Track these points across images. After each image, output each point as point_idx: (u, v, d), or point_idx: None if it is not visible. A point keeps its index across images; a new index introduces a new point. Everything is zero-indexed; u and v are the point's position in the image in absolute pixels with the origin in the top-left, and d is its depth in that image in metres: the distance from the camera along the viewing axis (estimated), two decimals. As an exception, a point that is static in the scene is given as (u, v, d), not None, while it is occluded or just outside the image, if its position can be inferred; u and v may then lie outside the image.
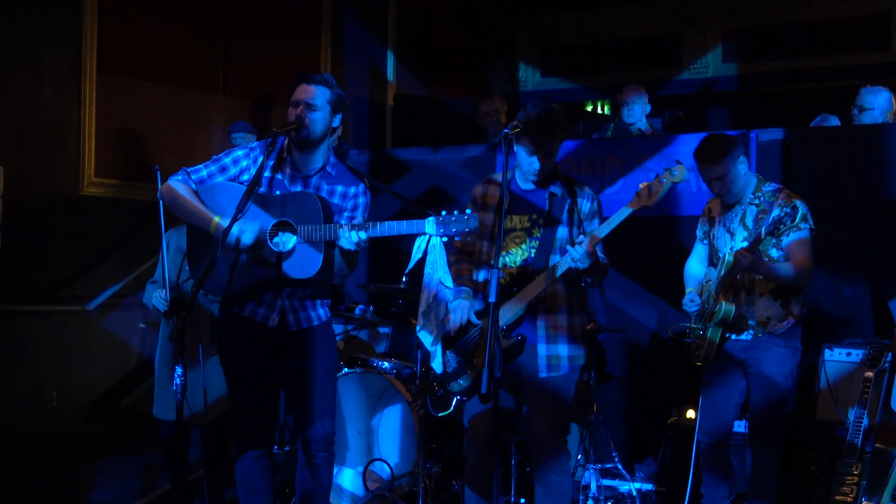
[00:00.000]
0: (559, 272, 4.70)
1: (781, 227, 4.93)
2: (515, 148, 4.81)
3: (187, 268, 5.43)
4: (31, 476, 6.97)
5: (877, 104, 7.23)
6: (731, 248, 5.17)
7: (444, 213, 4.26)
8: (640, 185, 4.65)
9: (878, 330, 6.11)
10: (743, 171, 5.22)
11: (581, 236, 4.63)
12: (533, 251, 4.83)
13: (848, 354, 5.82)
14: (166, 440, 5.70)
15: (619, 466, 6.20)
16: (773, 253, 5.17)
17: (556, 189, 4.88)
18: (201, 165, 4.66)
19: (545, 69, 13.08)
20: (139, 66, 8.93)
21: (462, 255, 5.10)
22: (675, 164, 4.63)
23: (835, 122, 7.63)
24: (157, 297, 5.66)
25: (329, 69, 10.54)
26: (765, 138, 6.58)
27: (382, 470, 6.08)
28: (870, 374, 5.21)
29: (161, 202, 4.84)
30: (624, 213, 4.63)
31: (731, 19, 11.95)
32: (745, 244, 5.13)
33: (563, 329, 4.85)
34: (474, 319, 4.87)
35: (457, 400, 5.05)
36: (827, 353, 5.87)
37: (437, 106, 10.76)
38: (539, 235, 4.83)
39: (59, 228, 8.31)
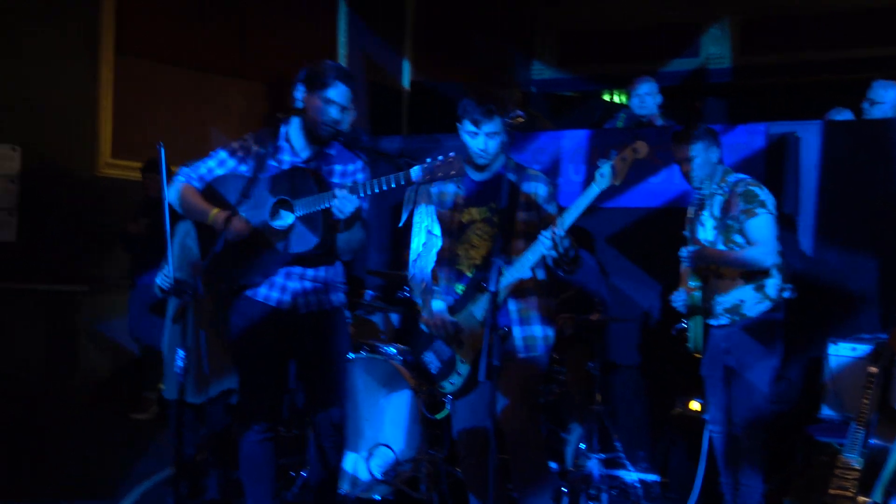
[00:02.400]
0: (531, 262, 4.65)
1: (735, 212, 5.16)
2: (462, 135, 4.79)
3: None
4: (37, 457, 7.03)
5: (888, 98, 7.19)
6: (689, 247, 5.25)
7: (428, 159, 4.27)
8: (600, 164, 4.53)
9: (884, 324, 6.09)
10: (712, 160, 5.34)
11: (551, 228, 4.56)
12: (496, 240, 4.73)
13: (853, 349, 5.80)
14: (171, 421, 5.75)
15: (622, 456, 6.22)
16: (738, 238, 5.24)
17: (511, 175, 4.83)
18: (199, 162, 4.74)
19: (562, 58, 13.05)
20: (156, 48, 8.97)
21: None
22: (636, 141, 4.56)
23: (848, 115, 7.60)
24: (162, 276, 5.72)
25: (346, 52, 10.57)
26: (776, 131, 6.57)
27: (386, 455, 6.11)
28: (874, 369, 5.21)
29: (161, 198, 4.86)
30: (589, 195, 4.51)
31: (748, 10, 11.88)
32: (714, 233, 5.26)
33: (534, 310, 4.83)
34: (450, 317, 4.85)
35: (450, 400, 5.04)
36: (832, 347, 5.85)
37: (454, 93, 10.74)
38: (499, 223, 4.74)
39: (75, 209, 8.38)
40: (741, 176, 5.38)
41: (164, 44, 9.02)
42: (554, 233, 4.51)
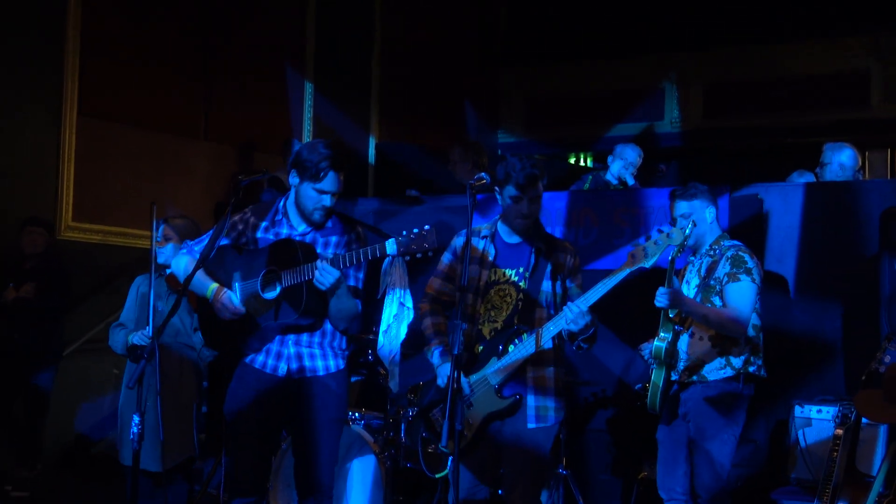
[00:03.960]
0: (552, 333, 4.66)
1: (719, 273, 5.11)
2: (499, 199, 4.83)
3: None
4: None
5: (835, 159, 7.29)
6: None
7: (404, 232, 4.31)
8: (635, 246, 4.61)
9: (849, 387, 6.09)
10: (709, 220, 5.30)
11: (575, 300, 4.60)
12: (520, 305, 4.79)
13: (819, 411, 5.80)
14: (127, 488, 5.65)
15: (588, 521, 6.15)
16: (717, 301, 5.18)
17: (541, 244, 4.86)
18: (204, 236, 4.91)
19: (528, 121, 13.16)
20: (120, 110, 8.94)
21: (436, 307, 5.07)
22: (671, 228, 4.61)
23: (810, 178, 7.67)
24: (140, 336, 5.63)
25: (311, 117, 10.60)
26: (739, 193, 6.60)
27: (349, 522, 6.04)
28: (840, 431, 5.20)
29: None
30: (618, 276, 4.57)
31: (712, 74, 12.07)
32: (695, 291, 5.20)
33: (550, 382, 4.81)
34: (463, 378, 4.77)
35: (451, 460, 4.99)
36: (798, 409, 5.85)
37: (419, 155, 10.79)
38: (525, 289, 4.80)
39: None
40: (736, 242, 5.32)
41: (128, 106, 8.99)
42: (575, 308, 4.54)
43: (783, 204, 6.52)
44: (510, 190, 4.76)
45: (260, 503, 4.82)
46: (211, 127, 9.75)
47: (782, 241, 6.45)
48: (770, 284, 6.29)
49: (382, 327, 5.00)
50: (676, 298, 4.98)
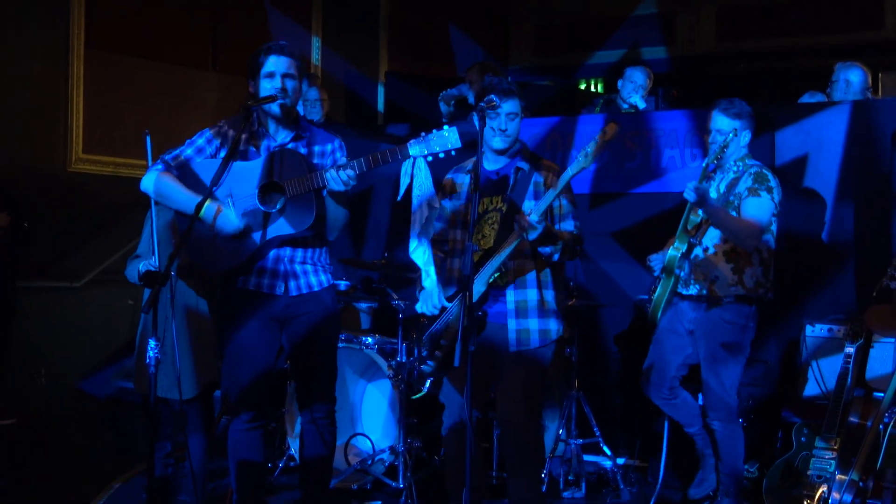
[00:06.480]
0: (511, 246, 4.63)
1: (740, 189, 5.15)
2: (479, 123, 4.63)
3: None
4: (17, 454, 7.01)
5: (842, 76, 7.25)
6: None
7: (423, 133, 4.32)
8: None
9: (861, 306, 6.10)
10: (742, 143, 5.32)
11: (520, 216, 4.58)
12: (502, 227, 4.76)
13: (829, 330, 5.83)
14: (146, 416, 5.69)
15: (601, 441, 6.19)
16: (734, 214, 5.20)
17: (523, 164, 4.84)
18: (177, 150, 4.71)
19: (538, 48, 13.07)
20: (128, 41, 8.91)
21: (434, 246, 5.15)
22: (608, 124, 4.56)
23: (821, 98, 7.62)
24: (146, 263, 5.57)
25: (320, 45, 10.55)
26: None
27: (364, 444, 6.10)
28: (850, 349, 5.24)
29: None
30: (568, 174, 4.55)
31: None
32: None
33: (532, 303, 4.80)
34: (446, 303, 4.85)
35: (430, 382, 5.07)
36: (809, 328, 5.88)
37: (429, 83, 10.74)
38: (506, 211, 4.76)
39: (48, 206, 8.32)
40: (758, 162, 5.36)
41: (136, 37, 8.96)
42: (522, 221, 4.50)
43: (794, 124, 6.48)
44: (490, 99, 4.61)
45: (263, 419, 4.83)
46: (219, 57, 9.71)
47: (795, 161, 6.42)
48: (782, 205, 6.30)
49: (415, 230, 5.04)
50: (704, 195, 4.96)
